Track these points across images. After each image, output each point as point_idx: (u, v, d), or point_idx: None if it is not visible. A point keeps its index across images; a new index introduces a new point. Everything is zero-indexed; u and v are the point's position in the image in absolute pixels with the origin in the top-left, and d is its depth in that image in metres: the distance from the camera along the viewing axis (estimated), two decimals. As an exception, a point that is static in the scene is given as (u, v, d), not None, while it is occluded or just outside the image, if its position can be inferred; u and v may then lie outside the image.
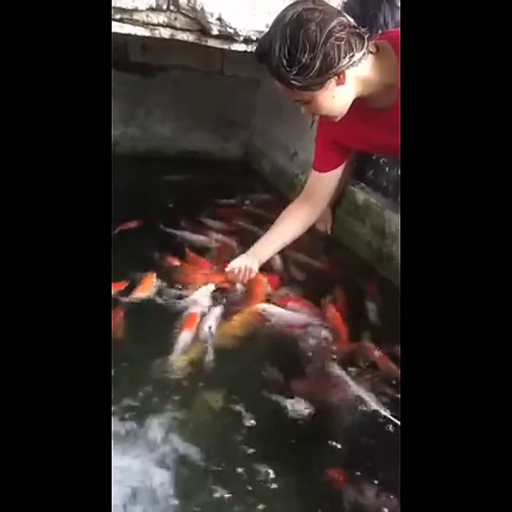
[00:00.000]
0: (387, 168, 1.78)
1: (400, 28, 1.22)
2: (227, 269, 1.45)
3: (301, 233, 1.54)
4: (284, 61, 1.04)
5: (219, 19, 1.49)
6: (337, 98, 1.13)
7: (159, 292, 1.41)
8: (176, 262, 1.57)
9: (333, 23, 1.02)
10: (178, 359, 1.18)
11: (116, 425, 0.96)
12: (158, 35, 1.53)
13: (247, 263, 1.44)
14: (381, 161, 1.80)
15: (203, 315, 1.34)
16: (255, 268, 1.46)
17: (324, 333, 1.33)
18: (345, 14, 1.07)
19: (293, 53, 1.03)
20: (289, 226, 1.51)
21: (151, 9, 1.47)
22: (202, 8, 1.46)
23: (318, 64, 1.03)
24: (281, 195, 2.20)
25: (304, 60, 1.03)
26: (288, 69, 1.05)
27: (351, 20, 1.07)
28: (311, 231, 1.69)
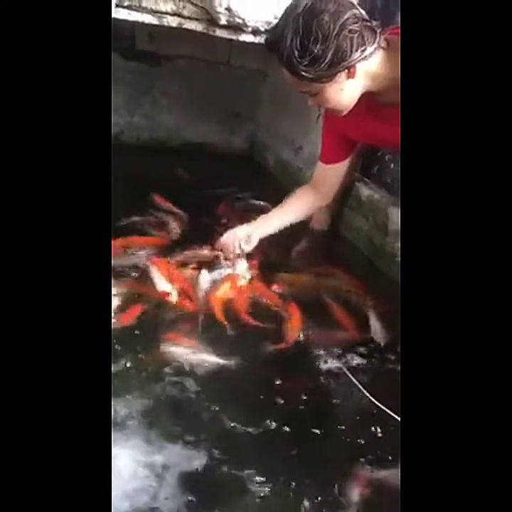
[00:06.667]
0: (392, 165, 1.77)
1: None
2: (220, 240, 1.48)
3: (304, 217, 1.59)
4: (296, 51, 1.03)
5: (227, 9, 1.48)
6: (345, 91, 1.12)
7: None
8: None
9: (347, 15, 1.01)
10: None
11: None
12: (166, 24, 1.52)
13: (240, 237, 1.46)
14: (386, 157, 1.79)
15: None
16: (251, 244, 1.47)
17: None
18: (358, 7, 1.06)
19: (305, 44, 1.02)
20: (292, 209, 1.55)
21: (159, -3, 1.46)
22: (210, -2, 1.45)
23: (329, 56, 1.02)
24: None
25: (315, 51, 1.02)
26: (299, 59, 1.03)
27: (364, 13, 1.06)
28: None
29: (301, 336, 1.30)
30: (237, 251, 1.46)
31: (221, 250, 1.48)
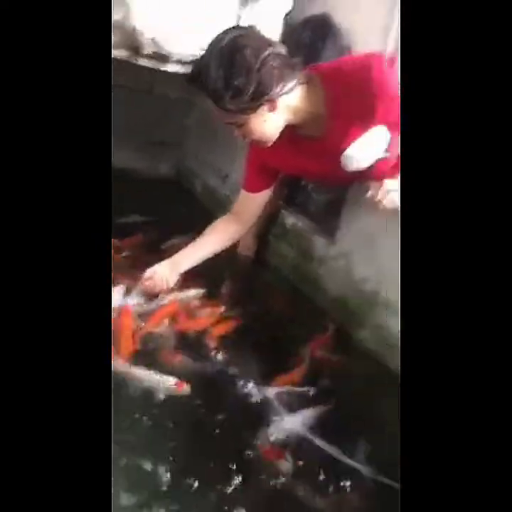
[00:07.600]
0: (314, 194, 1.84)
1: (329, 62, 1.28)
2: (144, 276, 1.42)
3: (224, 248, 1.55)
4: (220, 84, 1.06)
5: (152, 39, 1.48)
6: (268, 123, 1.17)
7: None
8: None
9: (268, 51, 1.06)
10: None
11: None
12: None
13: (164, 273, 1.42)
14: (309, 187, 1.85)
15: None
16: (173, 278, 1.44)
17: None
18: (278, 44, 1.11)
19: (228, 76, 1.05)
20: (213, 240, 1.52)
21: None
22: (133, 27, 1.45)
23: (252, 89, 1.06)
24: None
25: (239, 84, 1.05)
26: (223, 92, 1.07)
27: (284, 51, 1.11)
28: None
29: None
30: (163, 287, 1.42)
31: (145, 288, 1.44)
